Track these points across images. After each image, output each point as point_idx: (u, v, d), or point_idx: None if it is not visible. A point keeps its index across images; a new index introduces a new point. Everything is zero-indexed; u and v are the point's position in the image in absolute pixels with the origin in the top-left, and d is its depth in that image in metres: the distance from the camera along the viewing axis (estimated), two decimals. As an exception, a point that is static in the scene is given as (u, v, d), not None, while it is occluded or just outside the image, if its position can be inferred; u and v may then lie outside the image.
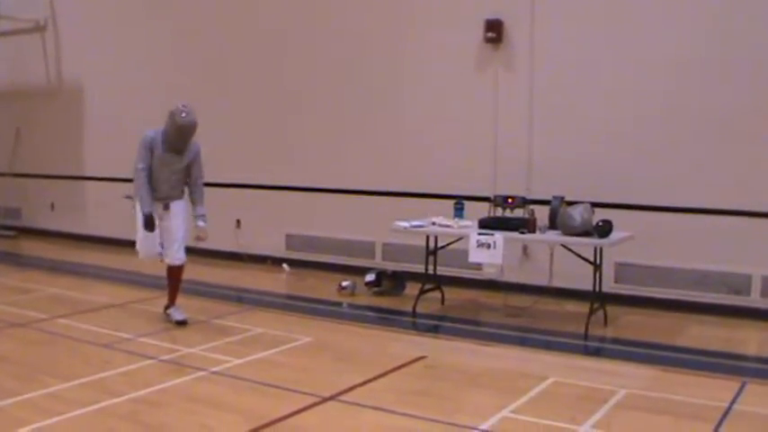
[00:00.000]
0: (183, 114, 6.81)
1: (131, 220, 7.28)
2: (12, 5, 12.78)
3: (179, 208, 7.18)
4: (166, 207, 7.13)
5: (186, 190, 7.24)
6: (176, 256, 7.17)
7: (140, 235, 7.13)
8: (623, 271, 8.07)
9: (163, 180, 7.04)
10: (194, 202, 7.21)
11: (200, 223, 7.14)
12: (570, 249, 7.20)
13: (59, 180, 13.03)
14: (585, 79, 8.18)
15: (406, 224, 7.78)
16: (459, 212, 7.85)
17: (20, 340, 6.71)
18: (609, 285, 7.81)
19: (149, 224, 6.95)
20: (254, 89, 10.59)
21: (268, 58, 10.47)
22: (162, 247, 7.17)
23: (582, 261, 7.14)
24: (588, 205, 7.07)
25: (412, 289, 8.27)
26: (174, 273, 7.28)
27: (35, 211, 13.52)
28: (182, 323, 7.17)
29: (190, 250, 7.36)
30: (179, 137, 6.90)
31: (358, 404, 5.10)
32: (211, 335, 6.85)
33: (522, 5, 8.46)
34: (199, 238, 7.14)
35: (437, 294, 8.18)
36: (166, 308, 7.36)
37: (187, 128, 6.87)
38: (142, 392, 5.26)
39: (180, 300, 7.44)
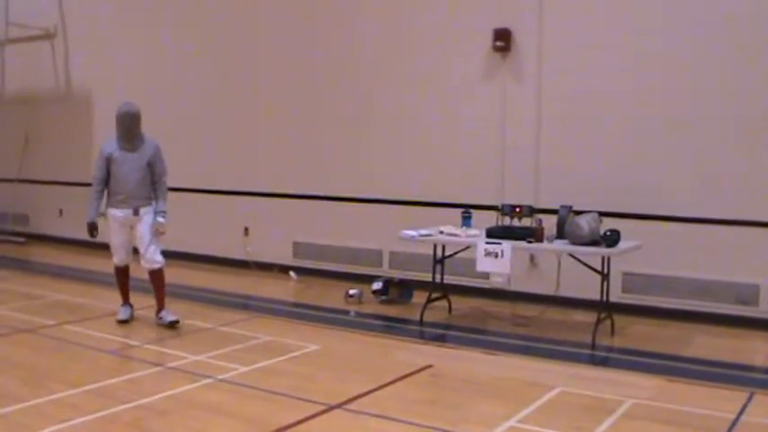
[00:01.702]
0: (121, 105, 7.24)
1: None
2: (22, 13, 12.88)
3: (149, 215, 7.31)
4: (136, 212, 7.27)
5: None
6: (154, 259, 7.28)
7: (113, 243, 7.47)
8: (631, 280, 8.05)
9: (126, 179, 7.21)
10: (156, 198, 7.37)
11: (159, 219, 7.30)
12: (578, 259, 7.18)
13: (68, 186, 13.06)
14: (593, 89, 8.18)
15: (413, 233, 7.78)
16: (466, 221, 7.85)
17: (27, 346, 6.72)
18: (616, 295, 7.79)
19: (91, 231, 7.30)
20: (262, 97, 10.62)
21: (276, 65, 10.50)
22: (127, 254, 7.51)
23: (589, 270, 7.12)
24: (596, 215, 7.06)
25: (419, 297, 8.27)
26: (156, 277, 7.38)
27: (43, 218, 13.57)
28: (174, 324, 7.23)
29: (198, 257, 7.37)
30: (123, 127, 7.20)
31: (364, 413, 5.10)
32: (218, 342, 6.85)
33: (531, 15, 8.48)
34: (157, 232, 7.31)
35: (444, 303, 8.17)
36: (157, 313, 7.41)
37: (126, 115, 7.18)
38: (148, 400, 5.26)
39: (186, 306, 7.48)
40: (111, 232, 7.42)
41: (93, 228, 7.30)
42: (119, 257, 7.51)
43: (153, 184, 7.35)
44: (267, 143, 10.62)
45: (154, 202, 7.36)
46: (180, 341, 6.95)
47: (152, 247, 7.26)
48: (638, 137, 8.00)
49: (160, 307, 7.40)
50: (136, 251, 7.45)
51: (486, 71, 8.84)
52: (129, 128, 7.19)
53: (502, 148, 8.71)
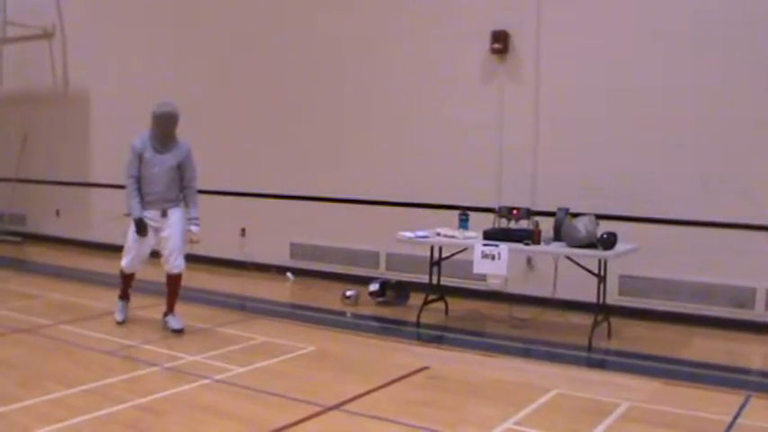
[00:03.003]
0: (160, 105, 7.04)
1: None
2: (20, 12, 12.86)
3: (177, 216, 7.18)
4: (164, 214, 7.14)
5: (182, 196, 7.27)
6: (175, 264, 7.19)
7: (129, 244, 7.23)
8: (627, 283, 8.06)
9: (156, 181, 7.07)
10: (188, 205, 7.26)
11: (193, 228, 7.21)
12: (574, 261, 7.18)
13: (65, 186, 13.07)
14: (591, 91, 8.20)
15: (411, 234, 7.78)
16: (463, 223, 7.85)
17: (23, 346, 6.71)
18: (613, 297, 7.79)
19: (141, 228, 7.07)
20: (259, 97, 10.62)
21: (272, 66, 10.51)
22: (140, 262, 7.32)
23: (586, 273, 7.13)
24: (593, 217, 7.06)
25: (416, 299, 8.26)
26: (173, 281, 7.29)
27: (40, 218, 13.54)
28: (178, 332, 7.17)
29: (195, 258, 7.36)
30: (159, 128, 7.04)
31: (360, 414, 5.10)
32: (215, 343, 6.85)
33: (529, 17, 8.49)
34: (191, 242, 7.24)
35: (441, 305, 8.18)
36: (165, 315, 7.37)
37: (164, 116, 7.01)
38: (145, 400, 5.26)
39: (184, 307, 7.45)
40: (132, 233, 7.18)
41: (142, 223, 7.05)
42: (129, 262, 7.30)
43: (182, 188, 7.21)
44: (265, 144, 10.61)
45: (182, 205, 7.23)
46: (177, 341, 6.94)
47: (175, 253, 7.13)
48: (636, 139, 8.01)
49: (169, 310, 7.33)
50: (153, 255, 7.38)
51: (484, 73, 8.85)
52: (167, 129, 7.03)
53: (499, 150, 8.72)
